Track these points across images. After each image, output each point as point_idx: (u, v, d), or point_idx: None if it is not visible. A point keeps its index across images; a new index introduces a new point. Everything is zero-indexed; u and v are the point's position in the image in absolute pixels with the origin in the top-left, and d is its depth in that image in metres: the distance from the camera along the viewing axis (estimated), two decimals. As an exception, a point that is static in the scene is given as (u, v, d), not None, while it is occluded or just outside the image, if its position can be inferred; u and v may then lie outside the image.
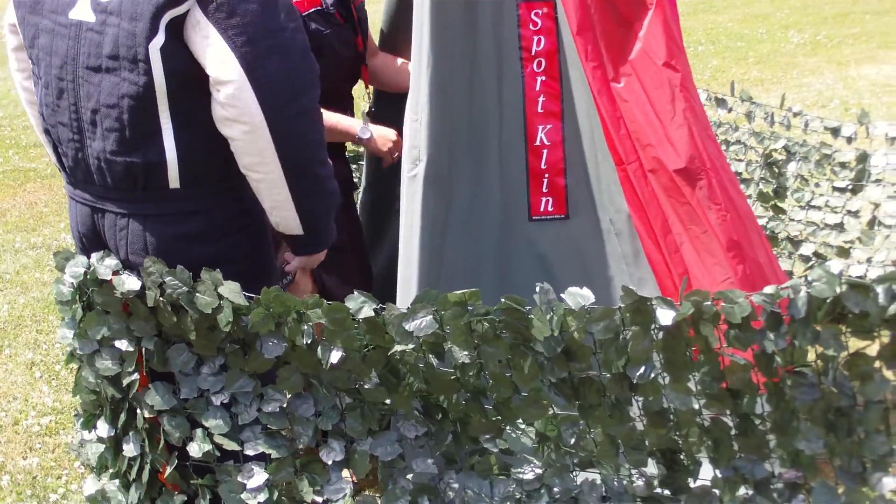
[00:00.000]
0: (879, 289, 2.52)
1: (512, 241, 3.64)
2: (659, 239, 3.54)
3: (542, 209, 3.62)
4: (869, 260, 4.97)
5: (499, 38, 3.60)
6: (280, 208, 3.05)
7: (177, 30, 2.88)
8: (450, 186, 3.57)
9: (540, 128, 3.61)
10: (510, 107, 3.62)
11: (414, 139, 3.53)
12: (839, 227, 5.12)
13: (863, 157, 5.18)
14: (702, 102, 3.95)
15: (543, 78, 3.60)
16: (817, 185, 5.29)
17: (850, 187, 5.20)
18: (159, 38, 2.86)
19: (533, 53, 3.59)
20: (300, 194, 3.02)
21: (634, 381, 2.66)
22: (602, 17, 3.53)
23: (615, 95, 3.54)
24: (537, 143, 3.61)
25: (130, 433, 3.19)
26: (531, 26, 3.59)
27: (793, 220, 5.27)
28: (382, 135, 4.02)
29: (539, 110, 3.61)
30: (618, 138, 3.55)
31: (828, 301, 2.55)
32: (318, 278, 3.99)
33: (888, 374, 2.60)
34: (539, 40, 3.60)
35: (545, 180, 3.61)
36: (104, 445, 3.26)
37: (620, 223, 3.59)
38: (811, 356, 2.62)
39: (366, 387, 2.87)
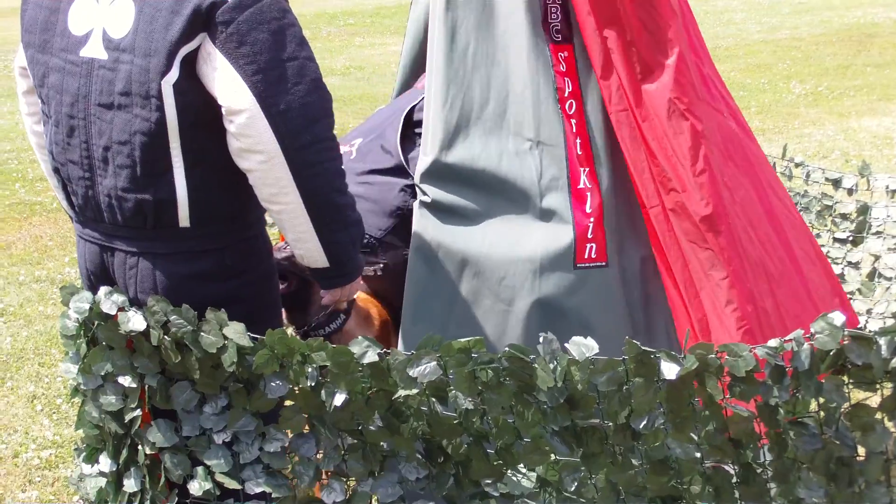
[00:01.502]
0: (882, 341, 2.55)
1: (553, 288, 3.56)
2: (679, 283, 3.54)
3: (586, 256, 3.58)
4: (869, 311, 4.99)
5: (534, 78, 3.59)
6: (302, 240, 3.05)
7: (190, 65, 2.90)
8: (468, 226, 3.55)
9: (582, 171, 3.58)
10: (550, 148, 3.59)
11: (420, 176, 3.53)
12: (840, 278, 5.13)
13: (864, 209, 5.21)
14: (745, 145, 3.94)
15: (576, 120, 3.60)
16: (818, 235, 5.32)
17: (850, 238, 5.23)
18: (173, 74, 2.89)
19: (566, 95, 3.60)
20: (321, 224, 3.02)
21: (637, 431, 2.66)
22: (625, 62, 3.54)
23: (644, 137, 3.54)
24: (580, 186, 3.59)
25: (132, 469, 3.19)
26: (561, 67, 3.60)
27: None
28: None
29: (578, 153, 3.59)
30: (641, 182, 3.54)
31: (831, 353, 2.56)
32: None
33: (889, 425, 2.62)
34: (568, 82, 3.61)
35: (590, 225, 3.58)
36: (104, 480, 3.26)
37: (634, 269, 3.58)
38: (813, 406, 2.64)
39: (370, 428, 2.87)
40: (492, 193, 3.57)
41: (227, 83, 2.86)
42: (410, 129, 3.86)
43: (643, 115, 3.53)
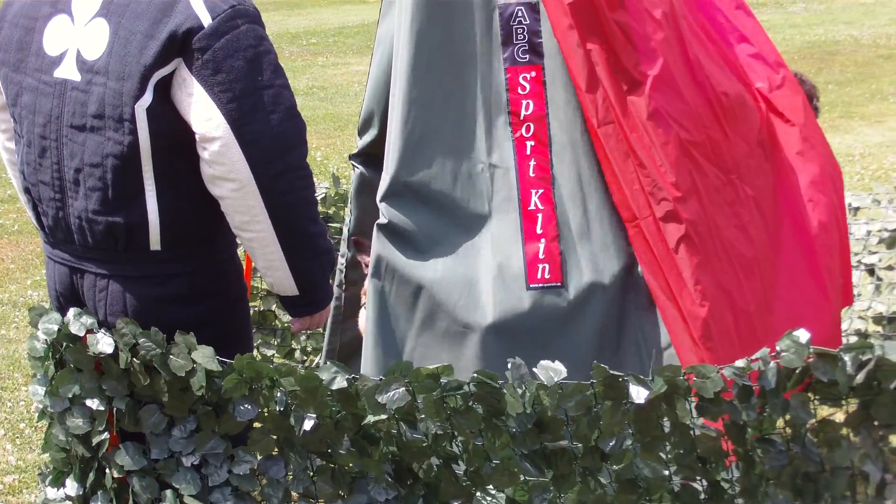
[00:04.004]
0: (847, 357, 2.58)
1: (508, 309, 3.55)
2: (675, 292, 3.55)
3: (538, 276, 3.59)
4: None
5: (487, 101, 3.59)
6: (273, 268, 3.06)
7: (164, 89, 2.90)
8: (425, 249, 3.57)
9: (533, 192, 3.60)
10: (501, 171, 3.60)
11: (380, 195, 3.54)
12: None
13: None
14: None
15: (533, 143, 3.60)
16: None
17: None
18: (146, 98, 2.89)
19: (522, 118, 3.60)
20: (292, 253, 3.03)
21: (606, 452, 2.68)
22: (610, 74, 3.54)
23: (633, 149, 3.55)
24: (531, 207, 3.60)
25: (99, 493, 3.18)
26: (520, 90, 3.60)
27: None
28: None
29: (531, 174, 3.60)
30: (631, 193, 3.55)
31: (797, 371, 2.59)
32: None
33: (855, 440, 2.65)
34: (528, 104, 3.61)
35: (541, 246, 3.60)
36: (70, 504, 3.25)
37: (607, 288, 3.59)
38: (780, 423, 2.67)
39: (339, 451, 2.87)
40: (446, 216, 3.59)
41: (201, 110, 2.87)
42: None
43: (631, 125, 3.54)
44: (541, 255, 3.55)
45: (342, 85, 14.78)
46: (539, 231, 3.55)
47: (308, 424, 2.81)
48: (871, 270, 5.22)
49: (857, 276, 5.12)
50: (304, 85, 14.58)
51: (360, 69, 15.28)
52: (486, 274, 3.55)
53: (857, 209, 5.31)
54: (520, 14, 3.58)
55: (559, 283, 3.56)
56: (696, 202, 3.57)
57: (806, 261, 3.87)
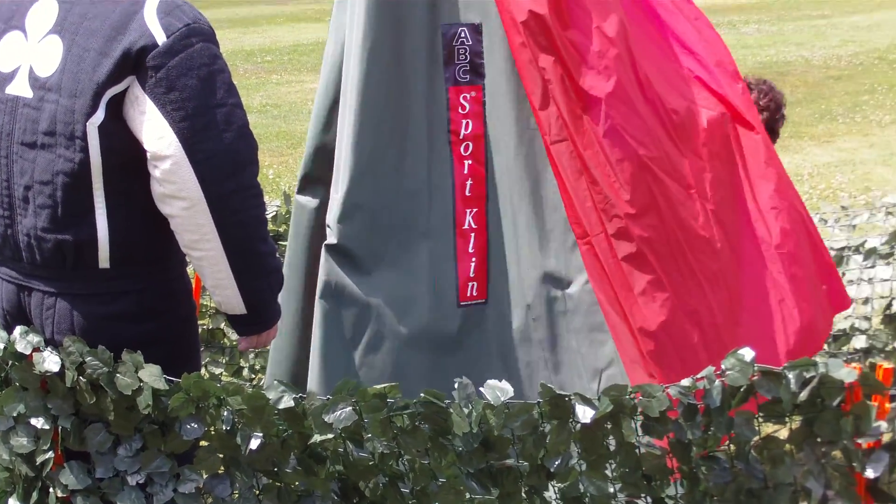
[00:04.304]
0: (791, 375, 2.61)
1: (441, 328, 3.62)
2: (625, 309, 3.56)
3: (468, 294, 3.64)
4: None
5: (430, 120, 3.63)
6: (222, 287, 3.05)
7: (117, 107, 2.89)
8: (371, 267, 3.58)
9: (468, 212, 3.63)
10: (439, 189, 3.64)
11: (330, 216, 3.55)
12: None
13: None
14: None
15: (470, 161, 3.63)
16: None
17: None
18: (98, 116, 2.88)
19: (461, 137, 3.63)
20: (241, 271, 3.02)
21: (552, 470, 2.69)
22: (563, 91, 3.56)
23: (586, 166, 3.57)
24: (465, 226, 3.63)
25: (43, 512, 3.15)
26: (460, 109, 3.63)
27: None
28: None
29: (467, 193, 3.63)
30: (583, 210, 3.56)
31: (742, 389, 2.62)
32: None
33: (798, 457, 2.68)
34: (467, 124, 3.63)
35: (472, 265, 3.63)
36: (12, 524, 3.22)
37: (538, 308, 3.62)
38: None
39: (286, 469, 2.87)
40: (389, 235, 3.62)
41: (153, 128, 2.86)
42: None
43: (584, 143, 3.55)
44: (471, 274, 3.60)
45: (296, 103, 14.78)
46: (471, 250, 3.60)
47: (254, 443, 2.80)
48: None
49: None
50: (257, 102, 14.57)
51: (314, 87, 15.15)
52: (424, 293, 3.60)
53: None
54: (462, 35, 3.62)
55: (484, 301, 3.60)
56: (654, 218, 3.59)
57: (770, 270, 3.89)
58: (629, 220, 3.53)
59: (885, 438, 2.65)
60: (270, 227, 5.08)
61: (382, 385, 2.71)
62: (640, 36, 3.81)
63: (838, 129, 12.19)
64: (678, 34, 4.01)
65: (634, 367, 3.51)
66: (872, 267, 5.12)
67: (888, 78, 15.28)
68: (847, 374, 2.60)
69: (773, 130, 4.96)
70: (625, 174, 3.54)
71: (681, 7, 4.09)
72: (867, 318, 5.06)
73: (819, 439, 2.67)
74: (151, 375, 2.87)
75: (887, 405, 2.65)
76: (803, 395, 2.63)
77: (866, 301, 5.07)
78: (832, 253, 5.22)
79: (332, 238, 3.55)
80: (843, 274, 5.07)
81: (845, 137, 11.80)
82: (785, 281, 3.86)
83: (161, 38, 2.88)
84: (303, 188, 3.92)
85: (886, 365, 2.67)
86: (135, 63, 2.87)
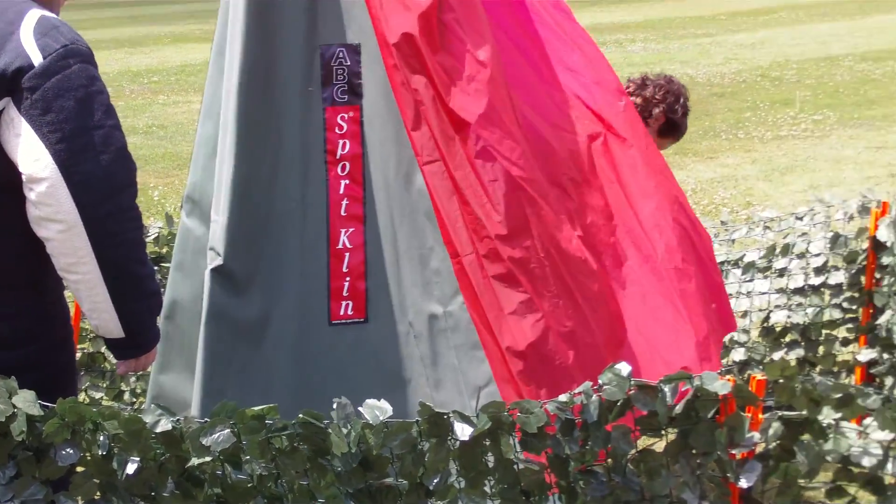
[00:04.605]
0: (666, 388, 2.65)
1: (310, 346, 3.63)
2: (494, 329, 3.57)
3: (341, 313, 3.64)
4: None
5: (305, 140, 3.63)
6: (99, 310, 3.00)
7: None
8: (245, 288, 3.56)
9: (342, 231, 3.63)
10: (314, 209, 3.64)
11: (213, 239, 3.53)
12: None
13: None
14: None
15: (347, 181, 3.64)
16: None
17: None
18: None
19: (338, 157, 3.63)
20: (119, 295, 2.97)
21: (431, 488, 2.70)
22: (435, 112, 3.57)
23: (457, 187, 3.58)
24: (339, 246, 3.63)
25: (-88, 545, 3.07)
26: (337, 130, 3.63)
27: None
28: None
29: (342, 213, 3.64)
30: (454, 231, 3.58)
31: (619, 403, 2.65)
32: None
33: (674, 469, 2.72)
34: (344, 144, 3.64)
35: (346, 284, 3.64)
36: None
37: (420, 325, 3.63)
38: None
39: (163, 494, 2.83)
40: (260, 255, 3.62)
41: (28, 151, 2.82)
42: None
43: (456, 164, 3.57)
44: (344, 293, 3.60)
45: (182, 123, 14.64)
46: (345, 269, 3.60)
47: (131, 468, 2.76)
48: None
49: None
50: (143, 123, 14.40)
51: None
52: (296, 311, 3.61)
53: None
54: (341, 55, 3.63)
55: (363, 319, 3.60)
56: (528, 239, 3.61)
57: (659, 288, 3.93)
58: (500, 241, 3.55)
59: (758, 449, 2.71)
60: (153, 248, 5.03)
61: (261, 406, 2.70)
62: (515, 60, 3.85)
63: (721, 146, 12.41)
64: (560, 54, 4.06)
65: (505, 387, 3.53)
66: (751, 280, 5.21)
67: (770, 95, 15.62)
68: (721, 386, 2.65)
69: (674, 123, 5.01)
70: (497, 195, 3.57)
71: (563, 26, 4.14)
72: (746, 331, 5.15)
73: (694, 451, 2.72)
74: (26, 401, 2.81)
75: (760, 416, 2.71)
76: (678, 407, 2.67)
77: (745, 314, 5.16)
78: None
79: (217, 260, 3.53)
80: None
81: (728, 153, 12.02)
82: (676, 297, 3.91)
83: (38, 59, 2.84)
84: (189, 211, 3.90)
85: (760, 377, 2.73)
86: (10, 84, 2.83)
